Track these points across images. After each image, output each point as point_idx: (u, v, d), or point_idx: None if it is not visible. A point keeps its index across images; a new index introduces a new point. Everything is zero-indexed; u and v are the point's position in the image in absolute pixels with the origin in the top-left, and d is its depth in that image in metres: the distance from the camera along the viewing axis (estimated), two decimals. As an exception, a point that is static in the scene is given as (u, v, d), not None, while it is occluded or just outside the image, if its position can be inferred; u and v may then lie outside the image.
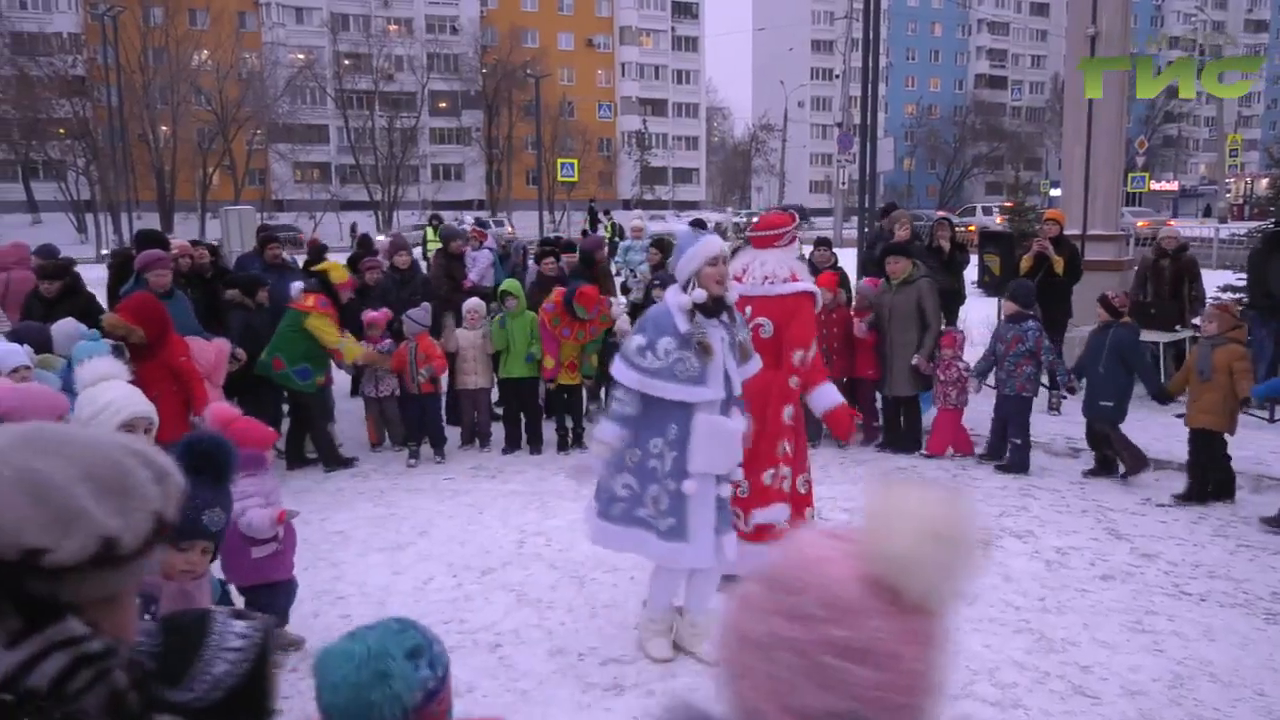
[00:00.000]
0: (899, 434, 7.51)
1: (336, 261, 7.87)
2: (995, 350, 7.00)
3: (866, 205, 12.46)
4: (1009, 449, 6.98)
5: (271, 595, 4.02)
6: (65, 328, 5.20)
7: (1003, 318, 7.25)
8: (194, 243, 8.60)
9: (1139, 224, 29.10)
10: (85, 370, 2.87)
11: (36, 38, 47.49)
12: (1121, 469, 6.68)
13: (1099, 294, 6.93)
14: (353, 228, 37.04)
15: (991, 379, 7.15)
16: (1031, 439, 7.03)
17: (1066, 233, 9.09)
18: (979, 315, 11.00)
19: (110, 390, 2.92)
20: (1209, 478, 6.16)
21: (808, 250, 8.82)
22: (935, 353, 7.21)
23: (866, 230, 12.02)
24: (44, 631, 0.89)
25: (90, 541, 0.91)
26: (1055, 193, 33.12)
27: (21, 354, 4.34)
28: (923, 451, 7.36)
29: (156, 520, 0.98)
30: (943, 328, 7.48)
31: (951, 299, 8.85)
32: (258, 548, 3.90)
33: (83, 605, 0.93)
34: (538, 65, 48.06)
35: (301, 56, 55.96)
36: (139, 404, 3.04)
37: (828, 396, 4.83)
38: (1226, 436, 6.11)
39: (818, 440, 6.99)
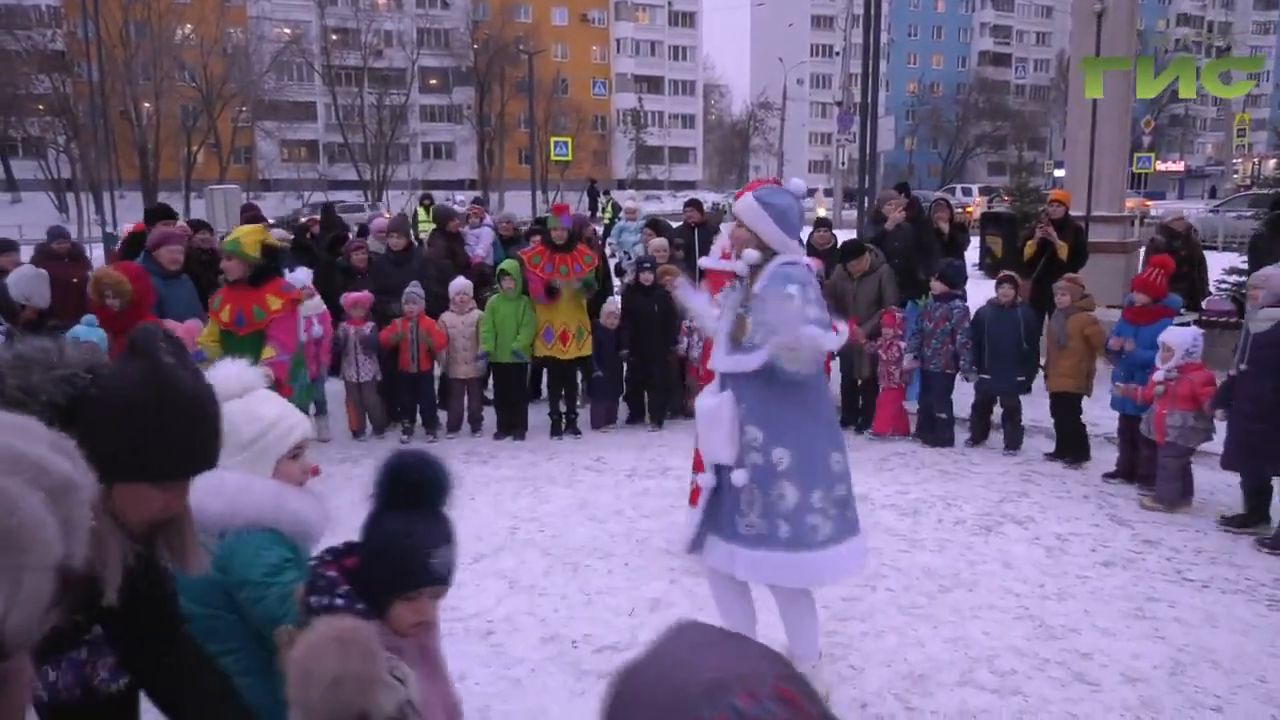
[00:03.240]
0: (854, 416, 7.72)
1: (256, 226, 6.20)
2: (923, 328, 7.19)
3: (866, 185, 12.35)
4: (936, 424, 7.22)
5: None
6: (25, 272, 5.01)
7: (931, 296, 7.32)
8: (194, 224, 8.36)
9: (1127, 204, 29.08)
10: (227, 375, 2.26)
11: (14, 10, 46.67)
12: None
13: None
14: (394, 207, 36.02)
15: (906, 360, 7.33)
16: (1032, 423, 7.08)
17: (1071, 213, 8.96)
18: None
19: (271, 403, 2.30)
20: (1068, 436, 6.74)
21: (806, 232, 8.72)
22: (878, 330, 7.32)
23: (867, 210, 11.92)
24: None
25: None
26: (1059, 173, 33.16)
27: None
28: (870, 432, 7.49)
29: (61, 575, 0.66)
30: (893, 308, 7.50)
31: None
32: None
33: None
34: (531, 41, 47.71)
35: (288, 31, 55.18)
36: (305, 420, 2.36)
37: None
38: (1086, 399, 6.71)
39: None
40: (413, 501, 1.76)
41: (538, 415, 7.79)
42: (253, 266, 5.08)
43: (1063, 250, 8.39)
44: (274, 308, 5.11)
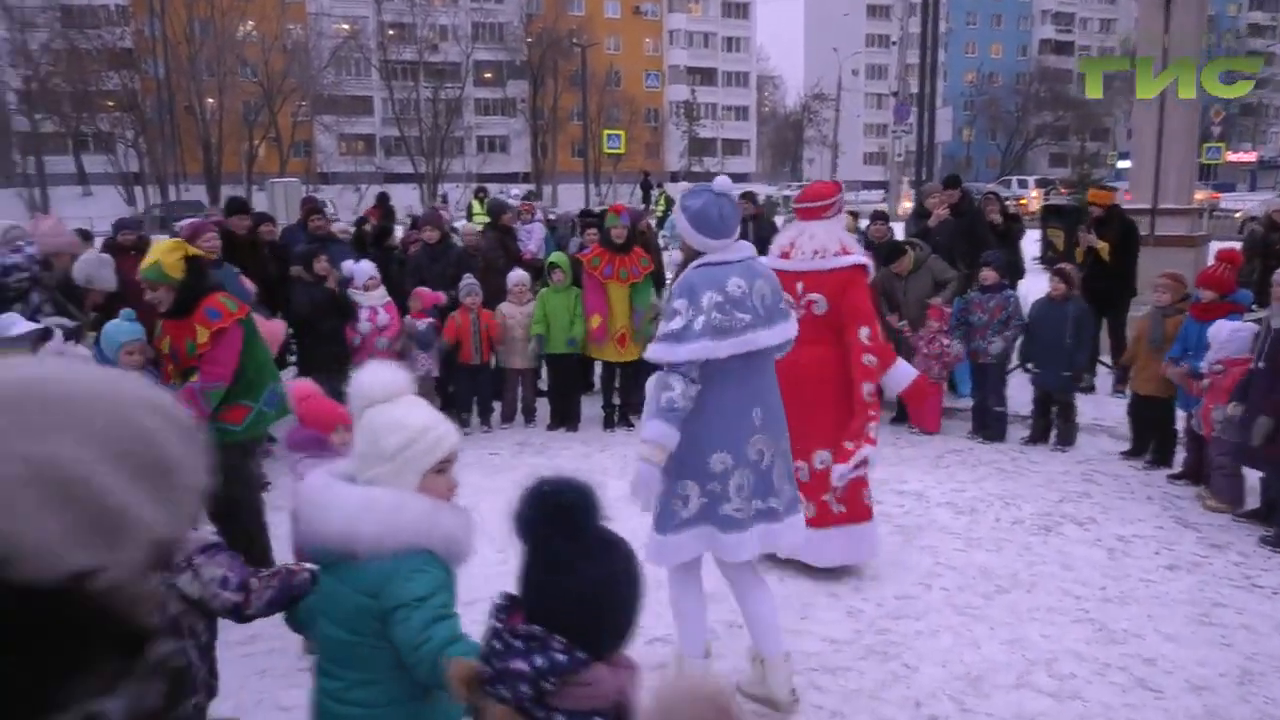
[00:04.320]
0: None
1: (174, 242, 4.70)
2: (970, 320, 7.06)
3: (924, 177, 12.15)
4: (989, 419, 7.11)
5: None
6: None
7: (979, 287, 7.20)
8: (257, 217, 8.39)
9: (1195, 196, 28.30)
10: (369, 381, 2.07)
11: (85, 10, 48.27)
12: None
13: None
14: (444, 197, 35.47)
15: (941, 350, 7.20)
16: (1095, 422, 6.96)
17: (1135, 206, 8.72)
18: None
19: (419, 410, 2.10)
20: (1151, 439, 6.51)
21: (864, 225, 8.64)
22: (924, 322, 7.20)
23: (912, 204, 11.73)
24: (137, 666, 0.69)
25: (141, 551, 0.70)
26: (1124, 164, 32.11)
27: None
28: (911, 427, 7.35)
29: (199, 501, 0.77)
30: (933, 301, 7.34)
31: (1010, 272, 8.64)
32: None
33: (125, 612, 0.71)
34: (584, 34, 47.72)
35: (346, 27, 56.11)
36: (455, 431, 2.15)
37: (903, 373, 4.71)
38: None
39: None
40: (571, 529, 1.56)
41: (591, 407, 7.82)
42: (179, 289, 4.28)
43: (1104, 250, 8.16)
44: (201, 341, 4.27)
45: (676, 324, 3.22)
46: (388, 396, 2.09)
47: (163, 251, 4.33)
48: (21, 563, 0.64)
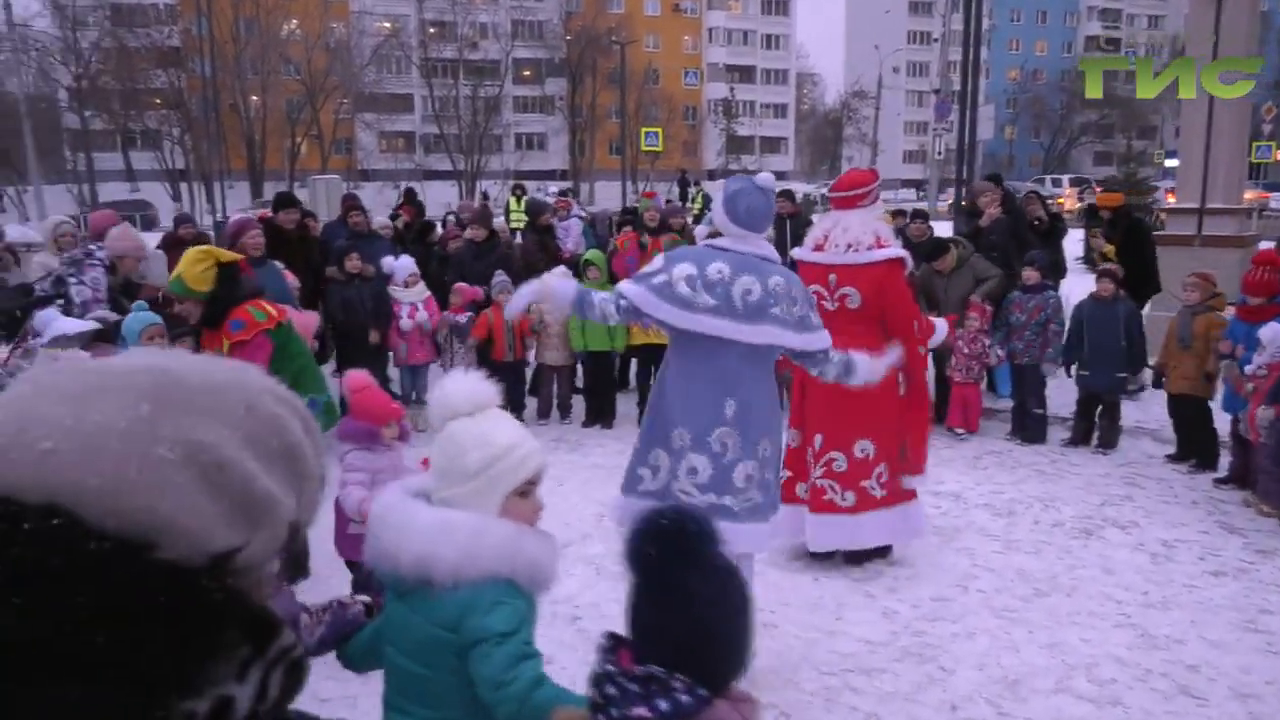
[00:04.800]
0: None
1: (198, 252, 4.50)
2: (1011, 320, 6.96)
3: (964, 176, 11.99)
4: (1029, 420, 7.01)
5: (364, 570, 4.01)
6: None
7: (1021, 288, 7.10)
8: (303, 213, 8.45)
9: (1245, 195, 27.80)
10: (453, 391, 1.93)
11: (134, 9, 49.32)
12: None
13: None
14: (484, 194, 35.31)
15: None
16: (1138, 425, 6.82)
17: (1183, 205, 8.58)
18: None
19: (505, 426, 1.93)
20: (1193, 442, 6.39)
21: (905, 223, 8.57)
22: (966, 319, 7.09)
23: (963, 203, 11.59)
24: (266, 652, 0.71)
25: (280, 532, 0.73)
26: (1171, 163, 31.42)
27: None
28: (946, 427, 7.20)
29: (320, 489, 0.79)
30: (974, 298, 7.25)
31: (1052, 271, 8.53)
32: (352, 524, 3.92)
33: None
34: (623, 31, 47.74)
35: (387, 25, 56.75)
36: (541, 450, 1.98)
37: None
38: (1211, 404, 6.29)
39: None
40: (695, 561, 1.47)
41: (626, 404, 7.83)
42: (208, 301, 4.15)
43: (1110, 251, 8.08)
44: (224, 354, 4.08)
45: (646, 270, 3.46)
46: (473, 409, 1.92)
47: (188, 263, 4.22)
48: (172, 543, 0.66)
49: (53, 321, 4.33)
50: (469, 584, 1.78)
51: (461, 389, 1.95)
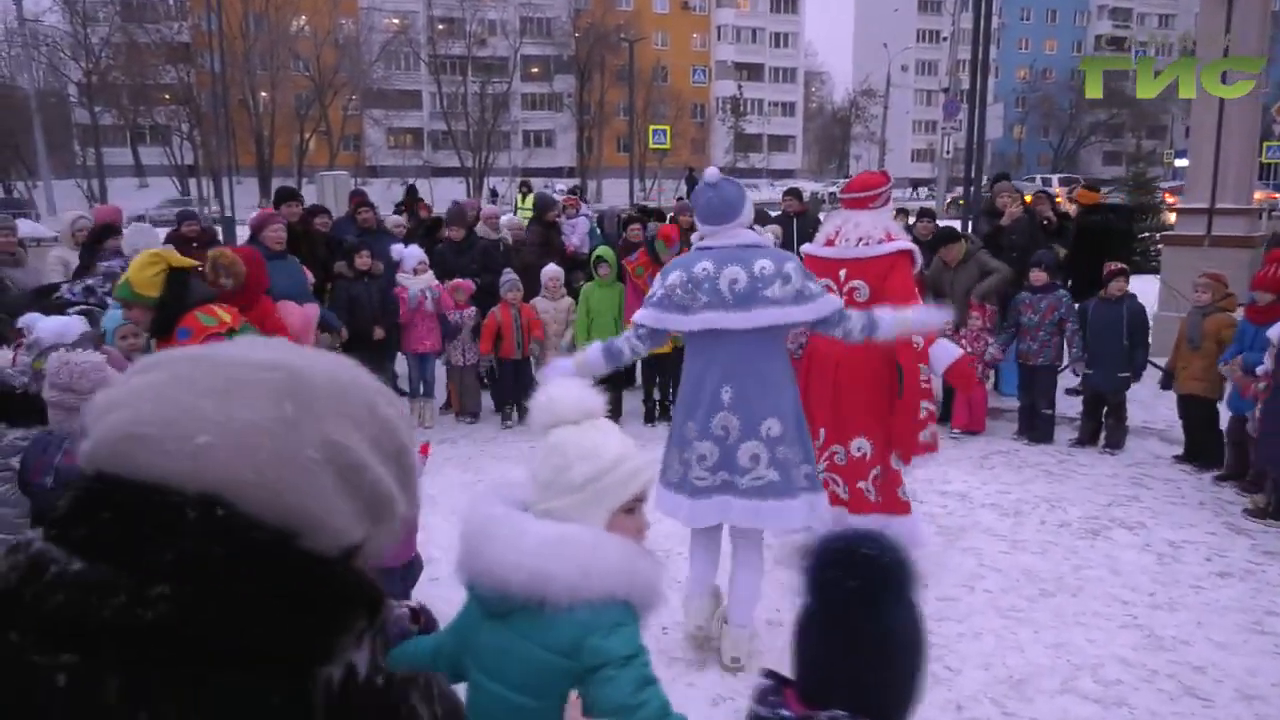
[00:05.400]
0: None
1: (151, 254, 4.12)
2: (1020, 321, 6.93)
3: (973, 175, 11.94)
4: (1038, 421, 7.00)
5: (390, 578, 3.88)
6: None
7: (1029, 288, 7.07)
8: (311, 210, 8.44)
9: (1255, 196, 27.63)
10: (559, 398, 1.83)
11: (144, 5, 49.42)
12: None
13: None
14: (493, 192, 35.09)
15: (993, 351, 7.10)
16: (1145, 425, 6.79)
17: (1192, 205, 8.56)
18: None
19: (613, 438, 1.83)
20: (1197, 443, 6.41)
21: (910, 221, 8.55)
22: (968, 319, 7.08)
23: (973, 201, 11.54)
24: (375, 623, 0.79)
25: (395, 526, 0.80)
26: (1180, 163, 31.26)
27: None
28: (950, 428, 7.16)
29: (418, 484, 0.87)
30: (974, 297, 7.23)
31: (1059, 271, 8.54)
32: None
33: None
34: (631, 29, 47.74)
35: (396, 22, 56.75)
36: (652, 464, 1.90)
37: (945, 351, 4.68)
38: (1220, 405, 6.25)
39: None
40: (894, 596, 1.33)
41: (632, 401, 7.84)
42: (156, 307, 3.86)
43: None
44: None
45: (649, 293, 3.76)
46: (580, 417, 1.81)
47: (136, 268, 3.89)
48: (315, 536, 0.73)
49: (39, 321, 4.31)
50: (585, 604, 1.63)
51: (569, 396, 1.83)
